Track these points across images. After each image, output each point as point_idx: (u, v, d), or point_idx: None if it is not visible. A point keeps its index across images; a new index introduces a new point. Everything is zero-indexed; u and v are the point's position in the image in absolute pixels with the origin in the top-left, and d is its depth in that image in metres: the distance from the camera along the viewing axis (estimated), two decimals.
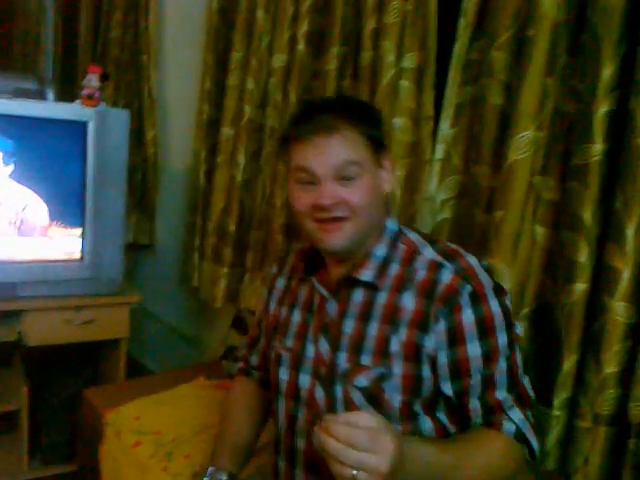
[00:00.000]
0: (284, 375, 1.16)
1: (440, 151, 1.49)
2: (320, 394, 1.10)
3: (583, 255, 1.23)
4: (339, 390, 1.07)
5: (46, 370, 2.36)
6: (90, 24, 3.01)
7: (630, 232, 1.16)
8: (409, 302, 1.03)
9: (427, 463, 0.88)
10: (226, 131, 2.10)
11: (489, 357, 1.01)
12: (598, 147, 1.19)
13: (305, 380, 1.12)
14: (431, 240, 1.11)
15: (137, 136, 2.61)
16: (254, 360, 1.36)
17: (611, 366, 1.21)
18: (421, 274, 1.04)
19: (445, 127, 1.48)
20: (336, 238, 1.04)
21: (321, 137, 1.02)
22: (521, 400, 1.04)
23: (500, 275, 1.34)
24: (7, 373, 2.25)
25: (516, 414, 1.01)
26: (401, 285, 1.05)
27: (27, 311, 2.03)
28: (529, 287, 1.35)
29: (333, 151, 1.02)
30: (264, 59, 1.99)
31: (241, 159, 2.05)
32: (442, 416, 1.05)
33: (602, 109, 1.19)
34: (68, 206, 1.99)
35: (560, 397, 1.27)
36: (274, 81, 1.95)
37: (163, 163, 2.65)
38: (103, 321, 2.12)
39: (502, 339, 1.02)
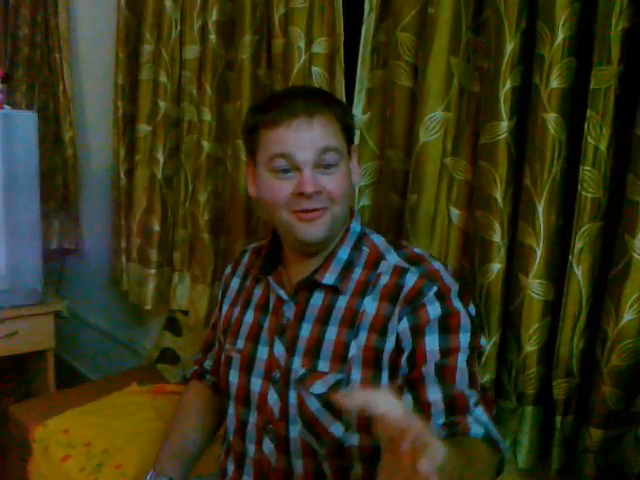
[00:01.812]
0: (234, 378, 1.12)
1: (355, 137, 1.46)
2: (273, 399, 1.06)
3: (497, 235, 1.22)
4: (293, 395, 1.03)
5: None
6: (0, 22, 2.87)
7: (540, 209, 1.16)
8: (370, 306, 1.01)
9: None
10: (142, 127, 2.02)
11: (447, 352, 0.96)
12: (504, 125, 1.18)
13: (257, 383, 1.08)
14: (396, 245, 1.09)
15: (55, 137, 2.51)
16: (208, 364, 1.32)
17: (531, 344, 1.20)
18: (385, 279, 1.02)
19: (358, 113, 1.45)
20: (316, 228, 1.01)
21: (302, 121, 0.98)
22: (485, 401, 0.98)
23: None
24: None
25: (482, 414, 0.93)
26: (363, 289, 1.03)
27: None
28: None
29: (314, 136, 0.98)
30: (176, 51, 1.92)
31: (160, 156, 1.98)
32: None
33: (506, 86, 1.17)
34: None
35: (484, 378, 1.27)
36: (188, 74, 1.88)
37: (84, 164, 2.55)
38: (26, 333, 2.04)
39: (464, 339, 0.97)
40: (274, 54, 1.62)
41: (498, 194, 1.20)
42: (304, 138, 0.99)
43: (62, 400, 1.92)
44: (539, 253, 1.17)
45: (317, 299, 1.06)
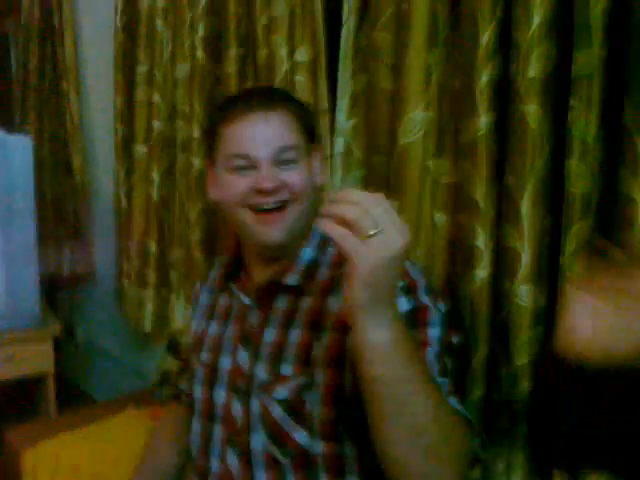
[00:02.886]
0: (199, 392, 1.07)
1: (340, 145, 1.40)
2: (237, 409, 1.00)
3: (480, 239, 1.13)
4: (256, 404, 0.97)
5: None
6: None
7: (524, 209, 1.07)
8: (335, 306, 0.95)
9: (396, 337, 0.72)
10: (139, 149, 2.01)
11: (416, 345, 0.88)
12: (483, 120, 1.10)
13: (220, 395, 1.03)
14: None
15: (65, 164, 2.53)
16: (183, 385, 1.25)
17: (522, 357, 1.11)
18: None
19: (342, 119, 1.39)
20: (277, 229, 0.96)
21: (259, 118, 0.95)
22: (459, 394, 0.90)
23: None
24: None
25: (456, 404, 0.87)
26: (328, 289, 0.98)
27: None
28: (434, 278, 1.24)
29: (271, 132, 0.95)
30: (168, 70, 1.91)
31: (155, 176, 1.96)
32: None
33: (483, 78, 1.10)
34: None
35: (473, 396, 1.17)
36: (180, 92, 1.86)
37: (94, 189, 2.56)
38: (24, 357, 2.01)
39: (432, 333, 0.90)
40: (259, 65, 1.59)
41: (480, 195, 1.12)
42: (261, 136, 0.95)
43: (58, 424, 1.88)
44: (525, 257, 1.08)
45: (281, 303, 1.01)
